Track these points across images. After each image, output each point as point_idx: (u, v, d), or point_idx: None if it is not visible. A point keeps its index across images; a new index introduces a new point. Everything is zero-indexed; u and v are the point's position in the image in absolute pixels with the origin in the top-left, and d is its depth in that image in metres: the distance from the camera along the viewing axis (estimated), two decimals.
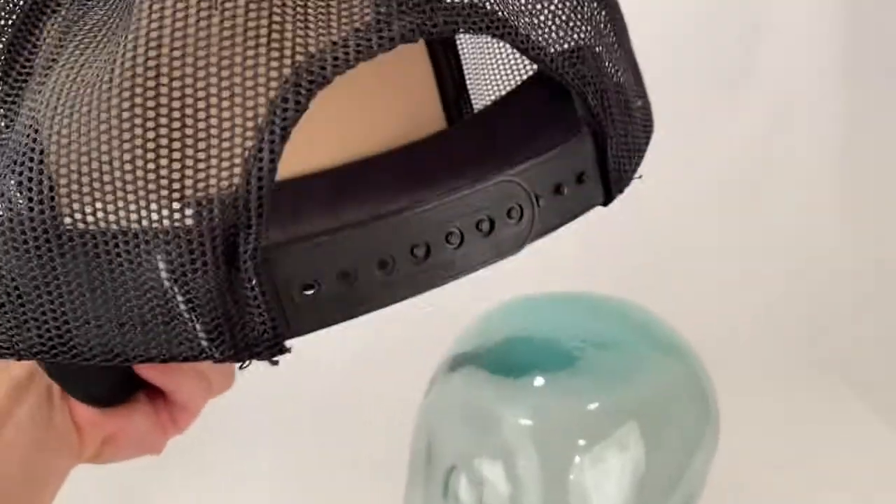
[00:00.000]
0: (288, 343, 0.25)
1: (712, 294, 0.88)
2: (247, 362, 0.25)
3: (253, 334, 0.24)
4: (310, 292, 0.25)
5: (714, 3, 0.92)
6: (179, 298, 0.24)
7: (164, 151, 0.24)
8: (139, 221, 0.24)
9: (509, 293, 0.61)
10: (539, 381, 0.53)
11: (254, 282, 0.24)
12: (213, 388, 0.37)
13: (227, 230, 0.23)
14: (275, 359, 0.25)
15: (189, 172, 0.24)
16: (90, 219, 0.24)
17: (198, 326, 0.24)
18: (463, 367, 0.56)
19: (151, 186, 0.24)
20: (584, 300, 0.60)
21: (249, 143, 0.24)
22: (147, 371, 0.35)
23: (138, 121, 0.24)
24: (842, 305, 0.88)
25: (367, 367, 0.80)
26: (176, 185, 0.24)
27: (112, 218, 0.24)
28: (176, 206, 0.24)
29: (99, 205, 0.24)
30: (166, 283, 0.24)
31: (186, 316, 0.24)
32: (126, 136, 0.24)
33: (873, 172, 0.94)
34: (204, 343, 0.24)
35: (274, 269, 0.24)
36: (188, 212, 0.24)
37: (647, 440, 0.53)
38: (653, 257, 0.90)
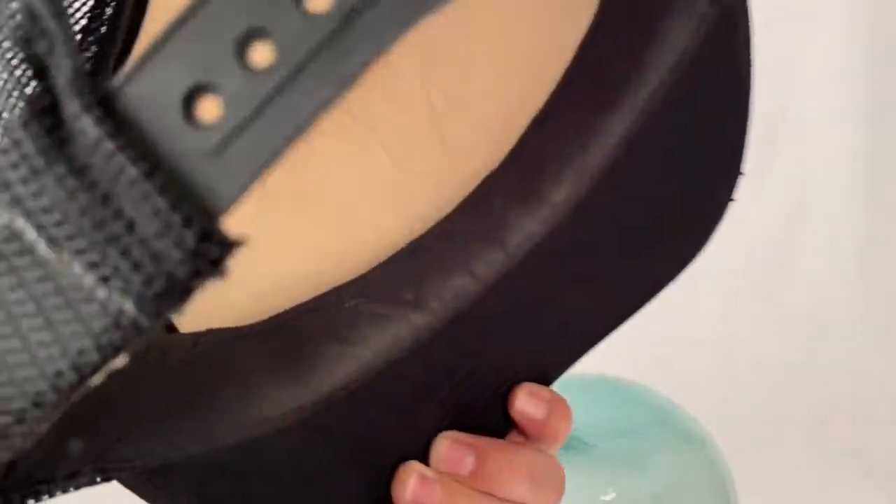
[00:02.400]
0: (229, 232, 0.14)
1: (727, 382, 0.86)
2: (179, 299, 0.14)
3: (153, 228, 0.13)
4: (212, 117, 0.13)
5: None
6: (31, 236, 0.14)
7: None
8: None
9: None
10: None
11: (98, 132, 0.13)
12: None
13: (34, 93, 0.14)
14: (218, 266, 0.14)
15: None
16: None
17: (77, 268, 0.14)
18: None
19: None
20: (600, 384, 0.59)
21: None
22: None
23: None
24: (860, 395, 0.86)
25: None
26: None
27: None
28: None
29: None
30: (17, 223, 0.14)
31: (54, 259, 0.14)
32: None
33: (894, 266, 0.93)
34: (101, 293, 0.14)
35: (127, 99, 0.14)
36: None
37: None
38: (667, 343, 0.88)
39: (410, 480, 0.26)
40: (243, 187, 0.14)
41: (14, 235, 0.14)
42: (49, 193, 0.14)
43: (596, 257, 0.28)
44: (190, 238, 0.13)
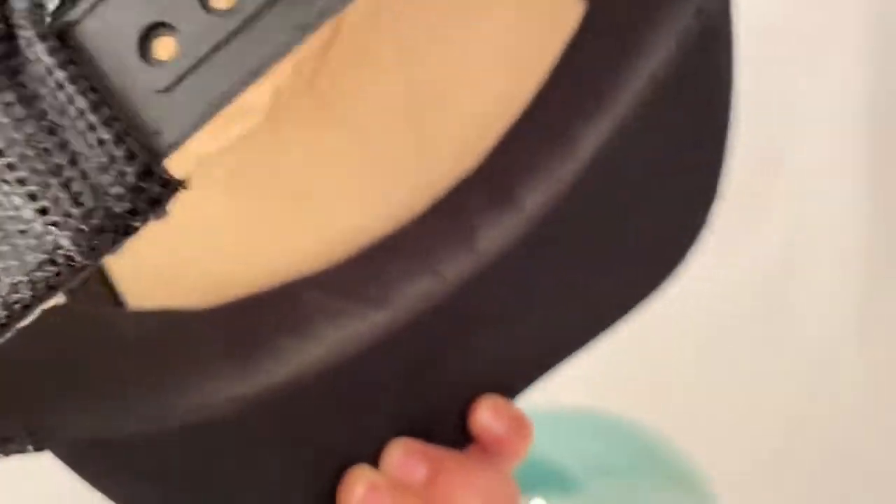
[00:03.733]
0: (173, 170, 0.14)
1: (722, 422, 0.86)
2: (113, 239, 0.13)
3: (96, 162, 0.13)
4: (167, 55, 0.13)
5: (734, 127, 0.92)
6: None
7: None
8: None
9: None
10: None
11: (51, 61, 0.13)
12: None
13: None
14: (159, 205, 0.14)
15: None
16: None
17: (16, 199, 0.13)
18: None
19: None
20: (593, 420, 0.58)
21: None
22: None
23: None
24: (860, 438, 0.85)
25: None
26: None
27: None
28: None
29: None
30: None
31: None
32: None
33: (894, 311, 0.92)
34: (38, 227, 0.13)
35: (83, 32, 0.14)
36: None
37: None
38: (661, 380, 0.88)
39: (358, 486, 0.25)
40: (190, 128, 0.14)
41: None
42: None
43: (566, 270, 0.28)
44: (132, 173, 0.13)
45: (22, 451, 0.20)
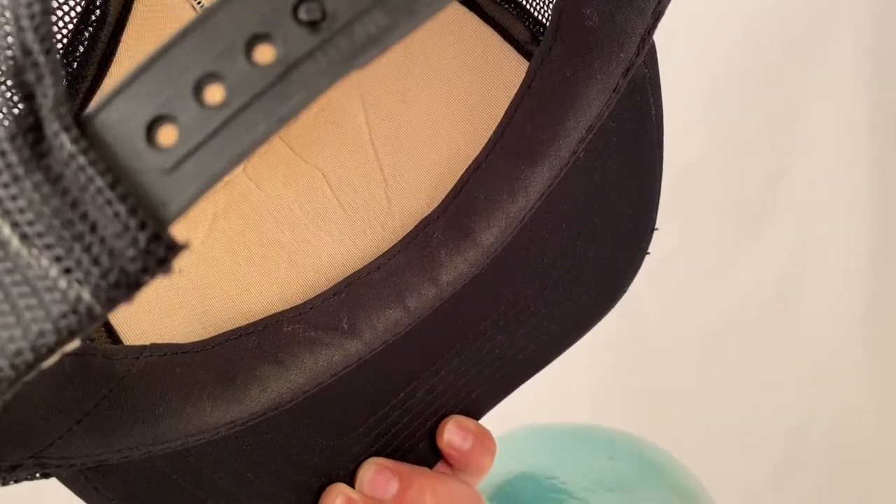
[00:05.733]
0: (178, 237, 0.16)
1: (726, 437, 0.85)
2: (131, 293, 0.16)
3: (113, 230, 0.16)
4: (169, 142, 0.16)
5: (739, 138, 0.92)
6: (7, 232, 0.16)
7: None
8: None
9: (517, 423, 0.60)
10: None
11: (73, 148, 0.16)
12: None
13: (18, 103, 0.17)
14: (164, 264, 0.16)
15: None
16: None
17: (44, 261, 0.16)
18: None
19: None
20: (597, 436, 0.58)
21: None
22: None
23: None
24: (865, 451, 0.84)
25: None
26: None
27: None
28: None
29: None
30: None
31: (26, 253, 0.16)
32: None
33: None
34: (63, 283, 0.16)
35: (100, 123, 0.16)
36: None
37: None
38: (665, 394, 0.88)
39: (337, 501, 0.28)
40: (192, 200, 0.16)
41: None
42: (26, 196, 0.16)
43: (521, 298, 0.30)
44: (142, 239, 0.16)
45: (30, 478, 0.22)
